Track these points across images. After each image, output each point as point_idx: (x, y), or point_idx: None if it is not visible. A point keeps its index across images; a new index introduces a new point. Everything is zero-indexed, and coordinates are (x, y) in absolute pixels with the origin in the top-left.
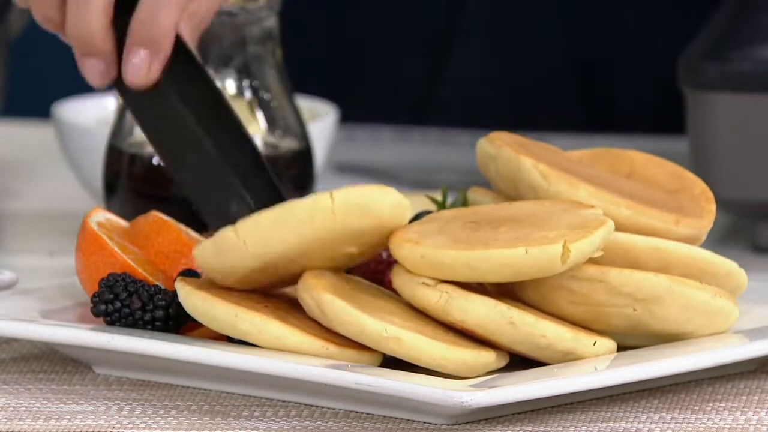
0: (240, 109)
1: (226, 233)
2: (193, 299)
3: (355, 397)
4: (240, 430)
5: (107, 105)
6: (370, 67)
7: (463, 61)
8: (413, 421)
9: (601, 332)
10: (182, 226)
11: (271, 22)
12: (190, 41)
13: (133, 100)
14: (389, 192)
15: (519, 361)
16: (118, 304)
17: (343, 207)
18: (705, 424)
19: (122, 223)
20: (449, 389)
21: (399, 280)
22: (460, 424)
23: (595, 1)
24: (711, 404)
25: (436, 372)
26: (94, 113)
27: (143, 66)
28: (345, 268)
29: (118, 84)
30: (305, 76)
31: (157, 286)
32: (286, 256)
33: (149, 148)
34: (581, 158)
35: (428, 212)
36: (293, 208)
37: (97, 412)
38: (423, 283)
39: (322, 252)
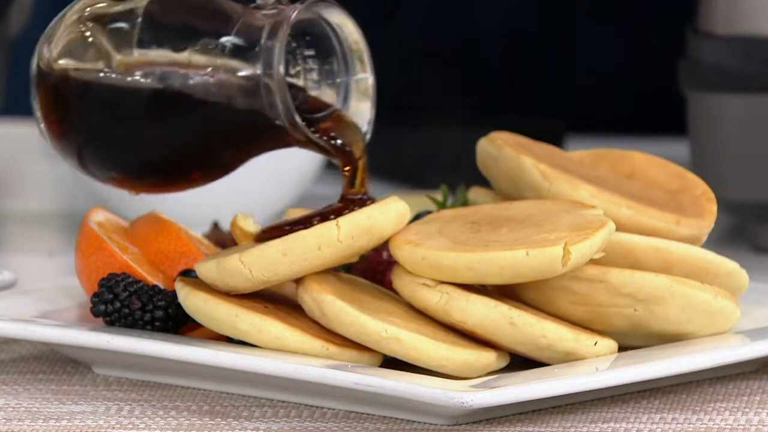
0: None
1: (232, 261)
2: (193, 300)
3: (355, 397)
4: (240, 430)
5: None
6: None
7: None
8: (413, 421)
9: (602, 332)
10: (182, 226)
11: None
12: None
13: None
14: (391, 205)
15: (520, 362)
16: (118, 305)
17: (349, 234)
18: (706, 424)
19: (122, 223)
20: (450, 390)
21: (399, 281)
22: (460, 424)
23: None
24: (712, 405)
25: (436, 372)
26: None
27: None
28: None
29: None
30: None
31: (156, 286)
32: (291, 278)
33: None
34: (582, 158)
35: (428, 212)
36: (300, 240)
37: (96, 413)
38: (423, 284)
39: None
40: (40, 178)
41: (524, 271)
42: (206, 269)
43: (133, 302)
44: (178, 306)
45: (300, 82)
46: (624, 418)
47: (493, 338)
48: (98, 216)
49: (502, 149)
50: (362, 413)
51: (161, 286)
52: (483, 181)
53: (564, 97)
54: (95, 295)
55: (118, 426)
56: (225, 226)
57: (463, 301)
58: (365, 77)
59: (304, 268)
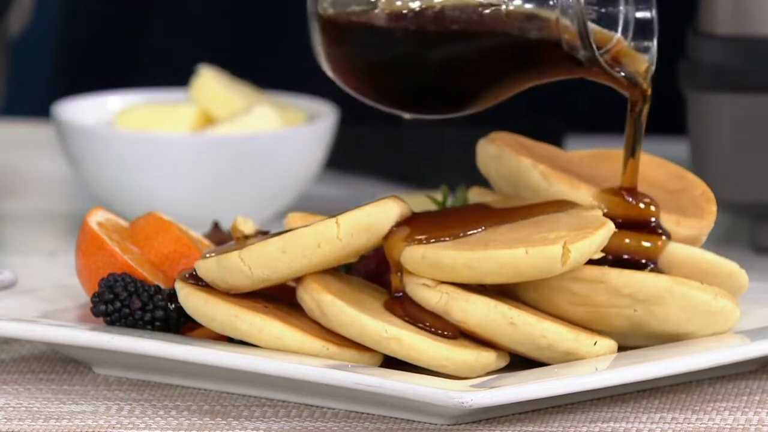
0: None
1: (232, 258)
2: (193, 300)
3: (355, 397)
4: (240, 430)
5: (107, 105)
6: None
7: None
8: (413, 421)
9: (602, 332)
10: (182, 227)
11: None
12: None
13: None
14: (391, 204)
15: (520, 362)
16: (118, 304)
17: (348, 232)
18: (706, 424)
19: (122, 222)
20: (449, 389)
21: None
22: (460, 424)
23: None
24: (712, 404)
25: (436, 372)
26: (94, 113)
27: None
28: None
29: None
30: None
31: (157, 286)
32: (290, 277)
33: None
34: (582, 158)
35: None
36: (299, 237)
37: (97, 413)
38: (423, 284)
39: (325, 268)
40: (40, 178)
41: (524, 270)
42: (206, 267)
43: (134, 302)
44: (179, 306)
45: None
46: (624, 418)
47: (493, 338)
48: (98, 216)
49: (502, 149)
50: (362, 413)
51: (161, 286)
52: (483, 181)
53: (564, 97)
54: (95, 294)
55: (118, 426)
56: (225, 226)
57: (463, 301)
58: (647, 9)
59: (304, 266)
